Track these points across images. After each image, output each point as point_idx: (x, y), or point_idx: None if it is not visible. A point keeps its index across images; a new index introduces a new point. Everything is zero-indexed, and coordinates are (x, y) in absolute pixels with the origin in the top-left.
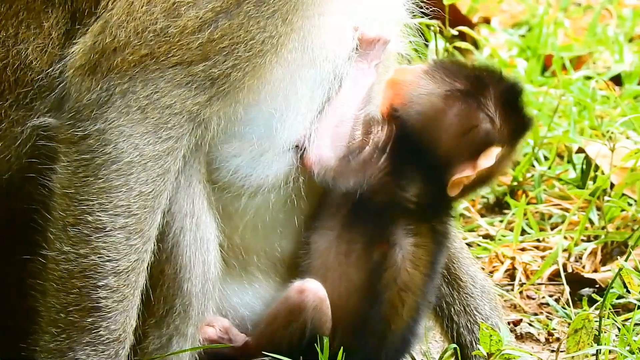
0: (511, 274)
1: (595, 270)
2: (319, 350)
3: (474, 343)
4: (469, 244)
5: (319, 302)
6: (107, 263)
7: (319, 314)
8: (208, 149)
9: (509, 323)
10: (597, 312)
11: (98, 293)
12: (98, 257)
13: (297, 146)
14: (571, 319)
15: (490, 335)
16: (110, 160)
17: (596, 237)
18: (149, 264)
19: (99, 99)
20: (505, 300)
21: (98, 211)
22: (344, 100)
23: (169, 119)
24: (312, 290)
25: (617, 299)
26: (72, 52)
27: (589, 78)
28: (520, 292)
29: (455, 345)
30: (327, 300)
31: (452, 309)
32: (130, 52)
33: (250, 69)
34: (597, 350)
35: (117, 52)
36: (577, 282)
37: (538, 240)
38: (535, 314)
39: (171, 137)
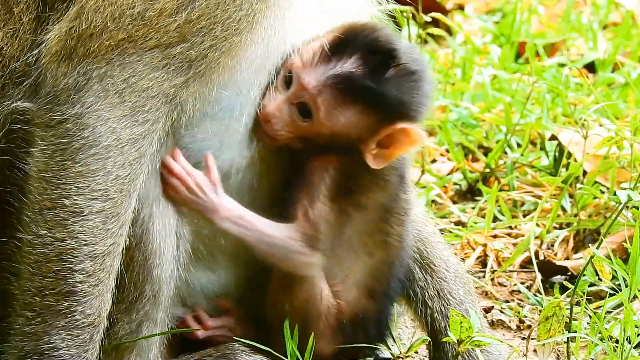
0: (483, 261)
1: (567, 258)
2: (288, 336)
3: (448, 328)
4: (440, 231)
5: None
6: (83, 247)
7: None
8: (176, 132)
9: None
10: (569, 299)
11: (74, 277)
12: (75, 240)
13: None
14: (542, 307)
15: (461, 322)
16: (87, 144)
17: (568, 225)
18: (122, 251)
19: (76, 84)
20: (476, 287)
21: (75, 195)
22: None
23: (146, 102)
24: None
25: (588, 286)
26: (48, 39)
27: (562, 65)
28: (492, 279)
29: (428, 338)
30: None
31: (426, 294)
32: (108, 36)
33: (227, 48)
34: (568, 338)
35: (93, 37)
36: (548, 269)
37: (510, 227)
38: (507, 301)
39: (148, 120)
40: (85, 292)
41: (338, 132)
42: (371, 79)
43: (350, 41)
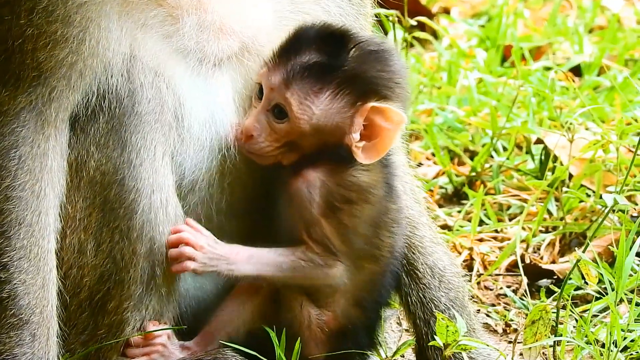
0: (469, 265)
1: (553, 262)
2: (276, 343)
3: (429, 335)
4: None
5: None
6: None
7: None
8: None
9: None
10: (555, 303)
11: None
12: None
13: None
14: (529, 310)
15: (447, 326)
16: None
17: (554, 228)
18: (116, 246)
19: None
20: None
21: None
22: None
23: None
24: None
25: (574, 290)
26: None
27: (548, 69)
28: (478, 283)
29: (414, 342)
30: None
31: (410, 300)
32: None
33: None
34: (554, 342)
35: None
36: (535, 273)
37: (496, 231)
38: (493, 305)
39: (11, 131)
40: (7, 299)
41: (317, 127)
42: (332, 60)
43: (305, 35)
